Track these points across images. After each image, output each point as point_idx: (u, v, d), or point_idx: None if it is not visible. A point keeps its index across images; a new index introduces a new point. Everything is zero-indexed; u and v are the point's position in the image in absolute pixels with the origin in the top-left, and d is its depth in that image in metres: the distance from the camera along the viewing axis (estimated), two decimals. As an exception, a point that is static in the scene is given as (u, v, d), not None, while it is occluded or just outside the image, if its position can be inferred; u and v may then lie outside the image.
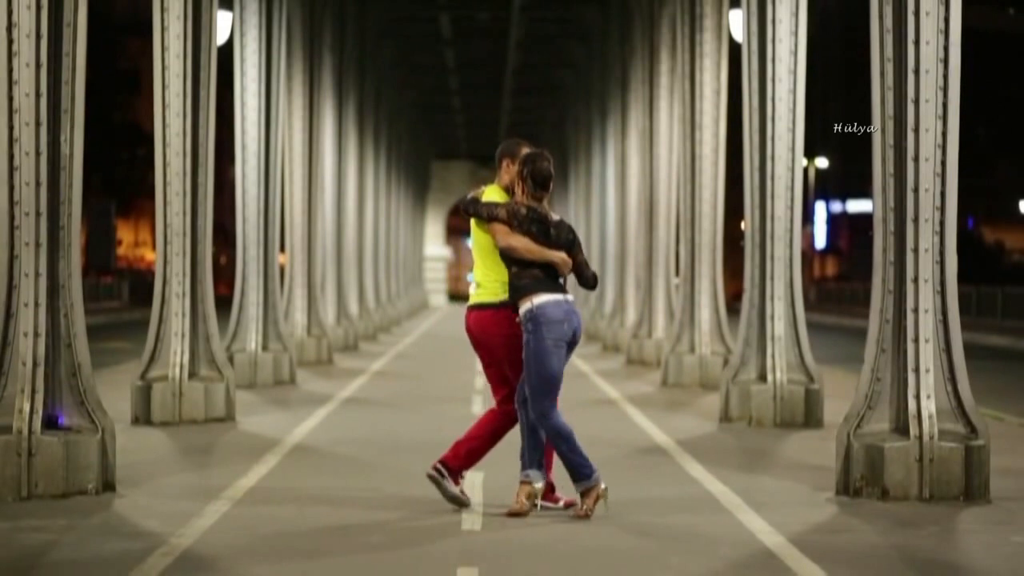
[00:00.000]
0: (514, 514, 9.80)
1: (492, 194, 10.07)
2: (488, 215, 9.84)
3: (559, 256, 9.77)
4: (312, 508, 10.15)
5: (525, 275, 9.74)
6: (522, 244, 9.73)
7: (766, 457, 13.30)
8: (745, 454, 13.54)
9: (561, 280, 9.86)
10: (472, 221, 10.01)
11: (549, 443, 9.90)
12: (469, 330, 10.09)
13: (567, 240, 9.86)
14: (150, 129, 16.17)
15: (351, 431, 15.05)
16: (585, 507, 9.80)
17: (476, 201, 9.97)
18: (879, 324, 11.06)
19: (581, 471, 9.79)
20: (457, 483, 10.08)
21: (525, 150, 10.00)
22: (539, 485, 9.88)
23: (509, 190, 10.02)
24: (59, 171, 10.72)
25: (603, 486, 9.84)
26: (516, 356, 9.89)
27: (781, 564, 8.50)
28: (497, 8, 36.14)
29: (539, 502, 9.96)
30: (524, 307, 9.71)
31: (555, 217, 9.94)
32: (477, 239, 10.04)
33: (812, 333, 16.56)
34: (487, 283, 10.01)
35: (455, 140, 70.51)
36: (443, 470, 10.03)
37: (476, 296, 10.09)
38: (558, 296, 9.75)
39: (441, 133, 66.83)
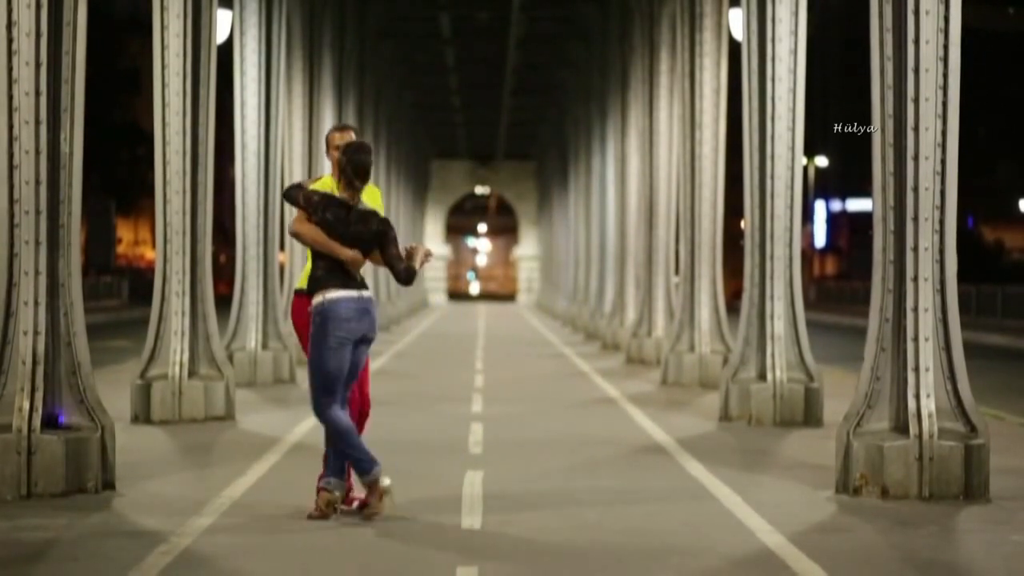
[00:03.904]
0: (312, 518, 9.65)
1: (320, 183, 9.89)
2: (292, 200, 9.67)
3: (348, 254, 9.51)
4: (311, 507, 10.13)
5: (322, 267, 9.56)
6: (309, 233, 9.53)
7: (766, 456, 13.29)
8: (745, 453, 13.54)
9: (358, 276, 9.62)
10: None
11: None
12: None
13: (375, 232, 9.57)
14: (150, 128, 16.16)
15: (351, 430, 15.03)
16: (372, 505, 9.60)
17: (291, 186, 9.81)
18: (879, 323, 11.05)
19: (361, 466, 9.55)
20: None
21: (351, 135, 9.84)
22: (338, 493, 9.72)
23: None
24: (59, 170, 10.72)
25: (387, 482, 9.60)
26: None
27: (780, 563, 8.50)
28: (497, 8, 36.14)
29: (339, 507, 9.77)
30: (316, 300, 9.56)
31: (365, 207, 9.63)
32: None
33: (812, 332, 16.56)
34: (306, 269, 9.89)
35: (455, 139, 70.53)
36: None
37: (299, 280, 10.06)
38: (351, 292, 9.54)
39: (441, 132, 66.83)
